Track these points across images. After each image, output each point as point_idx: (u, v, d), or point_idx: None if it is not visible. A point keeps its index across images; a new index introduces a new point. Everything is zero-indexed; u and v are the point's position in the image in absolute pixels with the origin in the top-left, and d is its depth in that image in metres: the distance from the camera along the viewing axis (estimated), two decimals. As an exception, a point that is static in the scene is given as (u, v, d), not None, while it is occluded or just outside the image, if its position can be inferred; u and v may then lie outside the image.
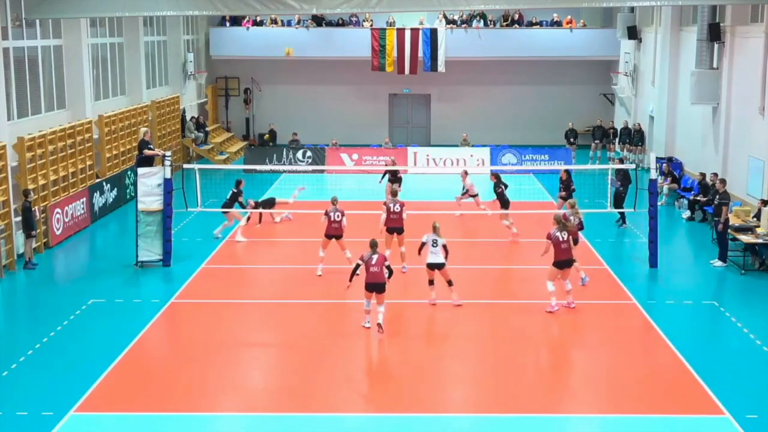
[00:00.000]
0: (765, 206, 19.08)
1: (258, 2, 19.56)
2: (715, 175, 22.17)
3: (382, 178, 24.17)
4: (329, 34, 35.09)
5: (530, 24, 35.50)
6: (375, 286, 14.22)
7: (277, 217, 22.67)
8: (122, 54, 28.34)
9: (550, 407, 12.01)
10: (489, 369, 13.23)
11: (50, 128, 21.54)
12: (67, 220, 21.25)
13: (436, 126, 37.59)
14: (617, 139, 32.31)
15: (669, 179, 25.41)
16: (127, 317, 15.51)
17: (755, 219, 19.29)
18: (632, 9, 32.03)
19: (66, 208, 21.24)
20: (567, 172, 22.28)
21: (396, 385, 12.75)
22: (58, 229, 20.69)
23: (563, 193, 21.92)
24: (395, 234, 17.88)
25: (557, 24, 35.41)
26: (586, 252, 19.18)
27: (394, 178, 23.56)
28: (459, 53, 34.36)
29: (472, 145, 32.11)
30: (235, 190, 20.89)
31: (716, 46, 24.45)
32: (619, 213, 22.34)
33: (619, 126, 32.75)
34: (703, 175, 23.14)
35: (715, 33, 24.00)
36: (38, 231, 19.46)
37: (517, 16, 35.39)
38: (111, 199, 24.26)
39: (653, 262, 18.60)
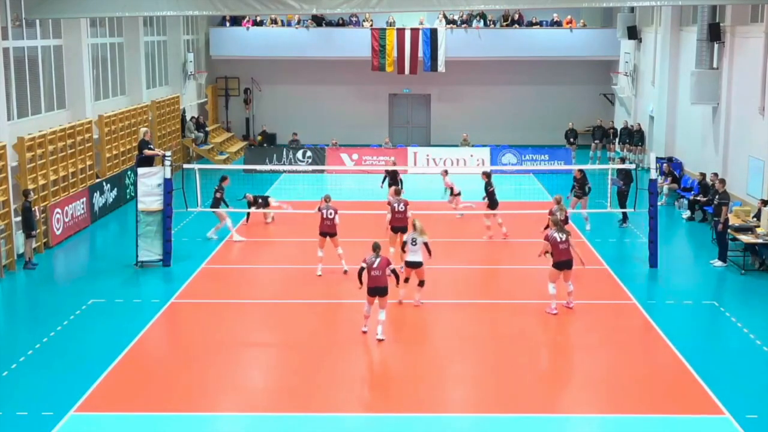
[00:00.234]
0: (765, 206, 19.08)
1: (258, 2, 19.56)
2: (715, 175, 22.17)
3: (383, 182, 24.09)
4: (329, 34, 35.09)
5: (530, 24, 35.50)
6: (377, 290, 14.03)
7: (268, 218, 22.62)
8: (122, 54, 28.34)
9: (550, 407, 12.01)
10: (489, 369, 13.23)
11: (50, 128, 21.54)
12: (67, 220, 21.26)
13: (436, 126, 37.59)
14: (617, 139, 32.31)
15: (669, 179, 25.41)
16: (127, 317, 15.51)
17: (755, 219, 19.29)
18: (632, 9, 32.03)
19: (66, 208, 21.24)
20: (581, 171, 22.32)
21: (396, 385, 12.75)
22: (58, 229, 20.70)
23: (579, 192, 22.00)
24: (400, 233, 17.89)
25: (557, 24, 35.41)
26: (586, 252, 19.16)
27: (394, 180, 23.55)
28: (459, 53, 34.37)
29: (472, 145, 32.12)
30: (218, 188, 20.82)
31: (716, 46, 24.45)
32: (622, 211, 22.42)
33: (619, 126, 32.75)
34: (703, 175, 23.15)
35: (715, 33, 24.00)
36: (38, 231, 19.46)
37: (517, 16, 35.40)
38: (111, 199, 24.27)
39: (653, 262, 18.61)
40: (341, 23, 35.45)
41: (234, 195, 23.63)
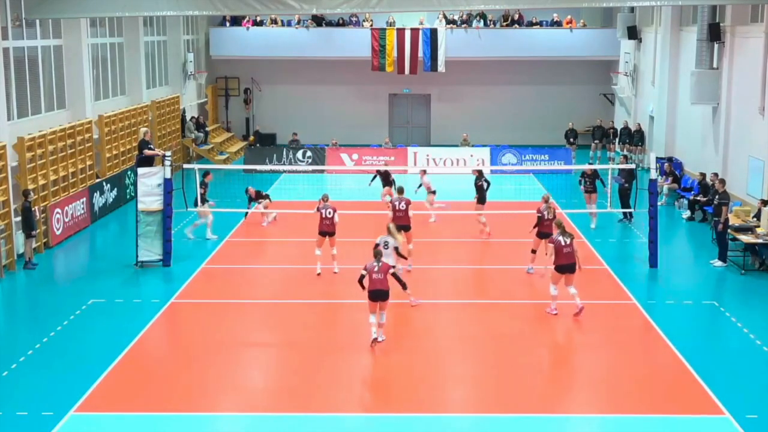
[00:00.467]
0: (765, 206, 19.08)
1: (258, 2, 19.56)
2: (715, 175, 22.17)
3: (372, 180, 24.08)
4: (329, 34, 35.09)
5: (530, 24, 35.50)
6: (378, 294, 13.78)
7: (264, 222, 22.57)
8: (122, 54, 28.34)
9: (550, 407, 12.01)
10: (489, 369, 13.23)
11: (50, 128, 21.54)
12: (67, 220, 21.25)
13: (436, 126, 37.59)
14: (617, 139, 32.30)
15: (670, 179, 25.42)
16: (127, 317, 15.51)
17: (755, 219, 19.29)
18: (632, 9, 32.03)
19: (66, 208, 21.24)
20: (593, 169, 22.43)
21: (396, 385, 12.75)
22: (58, 229, 20.70)
23: (590, 187, 22.12)
24: (402, 231, 17.89)
25: (557, 24, 35.41)
26: (586, 252, 19.18)
27: (387, 181, 23.49)
28: (459, 53, 34.37)
29: (472, 145, 32.11)
30: (201, 183, 20.78)
31: (716, 46, 24.45)
32: (626, 211, 22.57)
33: (619, 126, 32.74)
34: (703, 175, 23.15)
35: (715, 33, 24.00)
36: (38, 231, 19.46)
37: (517, 16, 35.39)
38: (111, 199, 24.26)
39: (653, 262, 18.61)
40: (341, 23, 35.45)
41: (233, 194, 23.67)
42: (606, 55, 35.11)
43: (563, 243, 15.14)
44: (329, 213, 17.63)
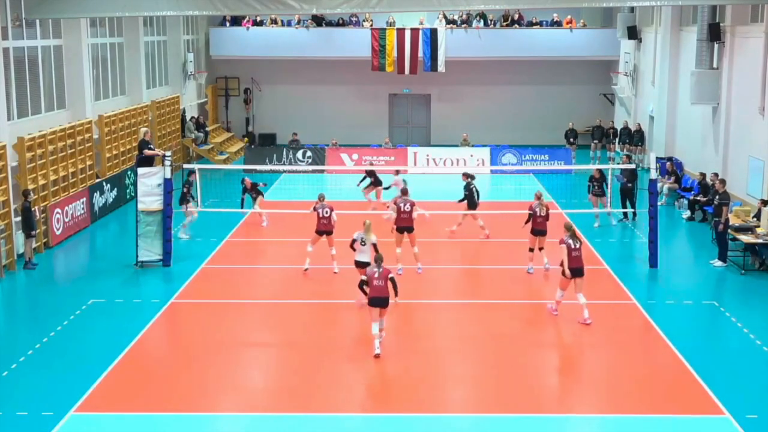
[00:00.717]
0: (765, 206, 19.08)
1: (258, 2, 19.57)
2: (716, 175, 22.18)
3: (361, 181, 24.04)
4: (329, 34, 35.09)
5: (530, 24, 35.50)
6: (378, 301, 13.56)
7: (264, 221, 22.54)
8: (122, 54, 28.34)
9: (550, 407, 12.01)
10: (489, 369, 13.23)
11: (50, 128, 21.54)
12: (67, 220, 21.25)
13: (436, 126, 37.59)
14: (617, 139, 32.31)
15: (672, 178, 25.44)
16: (127, 317, 15.51)
17: (755, 219, 19.29)
18: (632, 9, 32.03)
19: (66, 208, 21.24)
20: (600, 170, 22.52)
21: (396, 385, 12.76)
22: (58, 229, 20.70)
23: (598, 191, 22.29)
24: (405, 233, 17.90)
25: (557, 24, 35.41)
26: (586, 252, 19.14)
27: (376, 180, 23.42)
28: (459, 53, 34.36)
29: (472, 145, 32.11)
30: (185, 182, 20.75)
31: (716, 46, 24.45)
32: (630, 210, 22.71)
33: (619, 126, 32.75)
34: (703, 175, 23.15)
35: (715, 33, 24.00)
36: (38, 231, 19.46)
37: (517, 16, 35.39)
38: (111, 199, 24.26)
39: (653, 262, 18.61)
40: (341, 23, 35.45)
41: (233, 194, 23.65)
42: (606, 55, 35.11)
43: (573, 246, 15.04)
44: (326, 212, 17.63)
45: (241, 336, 14.74)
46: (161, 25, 31.98)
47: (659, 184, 23.83)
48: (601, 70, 36.52)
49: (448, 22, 35.01)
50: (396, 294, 13.72)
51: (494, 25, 35.59)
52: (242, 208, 22.49)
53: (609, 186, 21.87)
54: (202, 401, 12.06)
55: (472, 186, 20.80)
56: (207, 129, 33.86)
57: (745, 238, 18.34)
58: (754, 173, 21.58)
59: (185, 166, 21.36)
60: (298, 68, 36.61)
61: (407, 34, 33.95)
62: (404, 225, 17.88)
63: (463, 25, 34.98)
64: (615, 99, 35.61)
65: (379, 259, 13.87)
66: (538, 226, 17.87)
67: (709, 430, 11.35)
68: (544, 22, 35.60)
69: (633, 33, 31.97)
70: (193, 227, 21.69)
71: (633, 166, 24.49)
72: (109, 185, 24.23)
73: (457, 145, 32.33)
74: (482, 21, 35.28)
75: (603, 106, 36.56)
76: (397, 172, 23.26)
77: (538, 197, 18.25)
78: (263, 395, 12.47)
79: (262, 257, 20.06)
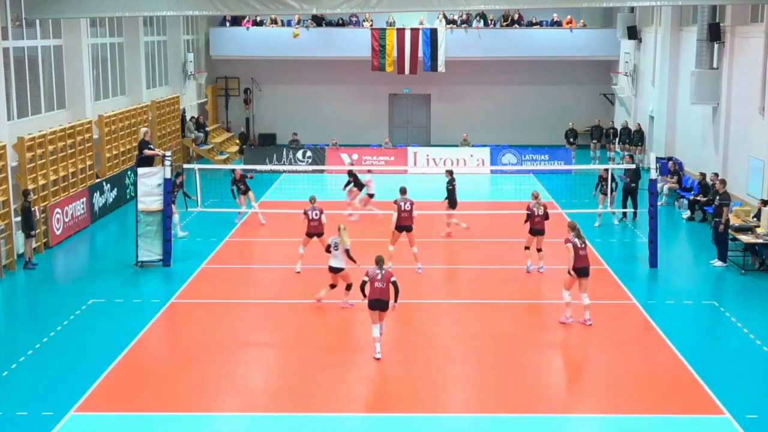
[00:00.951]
0: (765, 206, 19.08)
1: (258, 2, 19.57)
2: (716, 175, 22.18)
3: (346, 185, 23.78)
4: (329, 34, 35.09)
5: (530, 24, 35.50)
6: (379, 303, 13.44)
7: (262, 219, 22.51)
8: (122, 54, 28.34)
9: (550, 407, 12.01)
10: (489, 369, 13.23)
11: (50, 128, 21.55)
12: (67, 220, 21.25)
13: (436, 126, 37.59)
14: (617, 139, 32.30)
15: (674, 177, 25.44)
16: (127, 317, 15.51)
17: (755, 219, 19.29)
18: (632, 9, 32.03)
19: (66, 208, 21.24)
20: (606, 170, 22.55)
21: (396, 385, 12.76)
22: (58, 229, 20.70)
23: (607, 190, 22.33)
24: (404, 232, 17.91)
25: (557, 24, 35.41)
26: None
27: (357, 182, 23.05)
28: (459, 53, 34.36)
29: (472, 145, 32.12)
30: (177, 183, 20.75)
31: (716, 46, 24.45)
32: (631, 210, 22.79)
33: (619, 126, 32.74)
34: (703, 175, 23.15)
35: (715, 33, 24.00)
36: (38, 231, 19.46)
37: (517, 16, 35.39)
38: (111, 199, 24.27)
39: (653, 262, 18.61)
40: (341, 23, 35.44)
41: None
42: (606, 55, 35.11)
43: (579, 245, 14.99)
44: (316, 215, 17.64)
45: (241, 336, 14.74)
46: (161, 25, 31.98)
47: (661, 184, 23.89)
48: (601, 70, 36.52)
49: (448, 22, 35.01)
50: (396, 300, 13.60)
51: (494, 25, 35.59)
52: (235, 198, 22.46)
53: (613, 185, 21.90)
54: (202, 401, 12.06)
55: (452, 185, 20.79)
56: (207, 129, 33.87)
57: (745, 238, 18.34)
58: (754, 173, 21.58)
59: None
60: (298, 68, 36.61)
61: (407, 34, 33.95)
62: (404, 224, 17.88)
63: (463, 25, 34.98)
64: (615, 99, 35.61)
65: (380, 260, 13.79)
66: (536, 225, 17.91)
67: (709, 430, 11.35)
68: (544, 22, 35.60)
69: (633, 33, 31.97)
70: (193, 227, 21.72)
71: (634, 166, 24.51)
72: (109, 185, 24.23)
73: (457, 145, 32.33)
74: (482, 21, 35.28)
75: (603, 106, 36.56)
76: (369, 172, 23.31)
77: (535, 197, 18.26)
78: (263, 395, 12.47)
79: (262, 257, 20.06)
